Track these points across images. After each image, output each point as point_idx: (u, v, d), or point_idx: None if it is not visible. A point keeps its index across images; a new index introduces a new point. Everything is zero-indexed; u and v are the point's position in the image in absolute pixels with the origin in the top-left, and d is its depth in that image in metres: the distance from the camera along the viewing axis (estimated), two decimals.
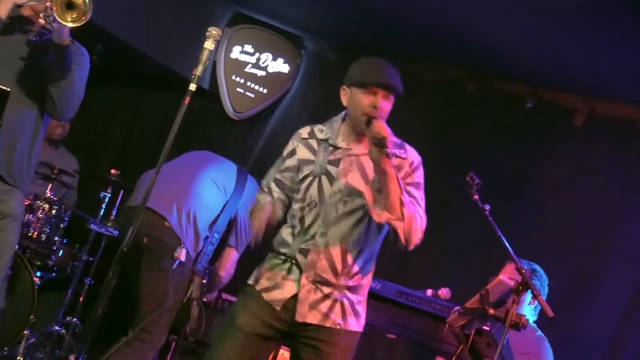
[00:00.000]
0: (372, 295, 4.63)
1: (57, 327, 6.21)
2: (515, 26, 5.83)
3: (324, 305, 3.71)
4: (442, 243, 6.43)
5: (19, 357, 5.86)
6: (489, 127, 6.74)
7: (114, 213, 6.49)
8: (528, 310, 4.94)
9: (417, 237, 3.66)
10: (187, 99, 3.53)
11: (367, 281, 3.86)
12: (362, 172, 3.75)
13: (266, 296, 3.75)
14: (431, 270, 6.38)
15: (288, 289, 3.74)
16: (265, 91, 7.74)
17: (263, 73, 7.77)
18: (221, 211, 5.76)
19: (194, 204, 5.60)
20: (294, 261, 3.75)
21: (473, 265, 6.04)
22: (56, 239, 6.31)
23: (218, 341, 3.81)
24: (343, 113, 3.91)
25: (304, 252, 3.73)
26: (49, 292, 6.53)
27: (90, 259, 6.50)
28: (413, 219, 3.61)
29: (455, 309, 4.28)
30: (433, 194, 6.02)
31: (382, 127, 3.53)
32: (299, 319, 3.70)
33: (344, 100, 3.83)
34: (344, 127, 3.86)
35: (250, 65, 7.79)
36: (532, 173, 6.43)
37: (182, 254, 5.42)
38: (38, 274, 6.17)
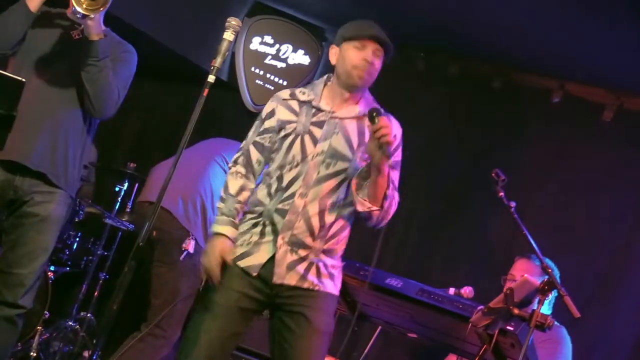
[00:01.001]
0: (393, 293, 4.57)
1: (71, 323, 6.20)
2: (542, 19, 5.75)
3: (301, 267, 3.66)
4: (465, 241, 6.39)
5: (32, 353, 5.85)
6: (514, 121, 6.67)
7: (129, 206, 6.44)
8: (543, 307, 4.88)
9: (386, 220, 3.71)
10: (206, 91, 3.49)
11: (342, 246, 3.82)
12: (345, 135, 3.73)
13: (241, 263, 3.68)
14: (454, 269, 6.31)
15: (263, 253, 3.68)
16: (285, 83, 7.66)
17: (283, 65, 7.69)
18: None
19: (201, 193, 5.54)
20: (267, 221, 3.70)
21: (497, 263, 5.96)
22: (71, 233, 6.28)
23: (199, 318, 3.71)
24: (325, 77, 3.90)
25: (282, 212, 3.67)
26: (63, 286, 6.52)
27: (105, 253, 6.47)
28: (390, 207, 3.67)
29: (479, 308, 4.21)
30: (457, 191, 5.95)
31: (387, 130, 3.49)
32: (276, 280, 3.64)
33: (333, 58, 3.85)
34: (327, 90, 3.85)
35: (270, 57, 7.72)
36: (559, 169, 6.32)
37: (190, 245, 5.36)
38: (52, 268, 6.15)
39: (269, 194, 3.74)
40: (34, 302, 4.21)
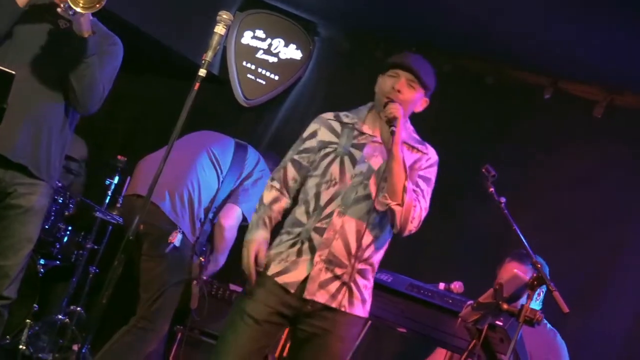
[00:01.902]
0: (383, 288, 4.58)
1: (60, 316, 6.17)
2: (534, 16, 5.76)
3: (333, 286, 3.72)
4: (455, 236, 6.40)
5: (21, 346, 5.83)
6: (505, 118, 6.67)
7: (120, 200, 6.43)
8: (533, 304, 4.88)
9: (412, 226, 3.70)
10: (197, 85, 3.48)
11: (375, 267, 3.88)
12: (384, 159, 3.74)
13: (280, 279, 3.73)
14: (444, 264, 6.33)
15: (302, 271, 3.73)
16: (276, 78, 7.65)
17: (274, 59, 7.68)
18: (218, 189, 5.66)
19: (188, 187, 5.51)
20: (306, 241, 3.75)
21: (486, 259, 5.96)
22: (61, 226, 6.27)
23: (230, 329, 3.80)
24: (370, 103, 3.94)
25: (320, 231, 3.73)
26: (53, 280, 6.50)
27: (96, 247, 6.46)
28: (412, 207, 3.65)
29: (468, 303, 4.22)
30: (448, 186, 5.95)
31: (395, 108, 3.62)
32: (307, 296, 3.69)
33: (377, 87, 3.88)
34: (370, 115, 3.90)
35: (261, 51, 7.71)
36: (550, 165, 6.33)
37: (175, 238, 5.34)
38: (42, 261, 6.14)
39: (307, 212, 3.81)
40: (17, 293, 4.19)
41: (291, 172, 3.92)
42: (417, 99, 3.82)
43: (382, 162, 3.74)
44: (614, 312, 5.81)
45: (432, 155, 3.87)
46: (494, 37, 6.29)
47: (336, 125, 3.87)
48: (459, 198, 6.35)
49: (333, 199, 3.74)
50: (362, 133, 3.83)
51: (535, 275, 3.89)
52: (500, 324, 4.01)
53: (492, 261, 5.31)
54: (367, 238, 3.75)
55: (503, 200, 4.03)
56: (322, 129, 3.89)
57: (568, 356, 4.99)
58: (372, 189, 3.69)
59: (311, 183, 3.83)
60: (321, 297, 3.70)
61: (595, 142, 6.23)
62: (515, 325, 3.83)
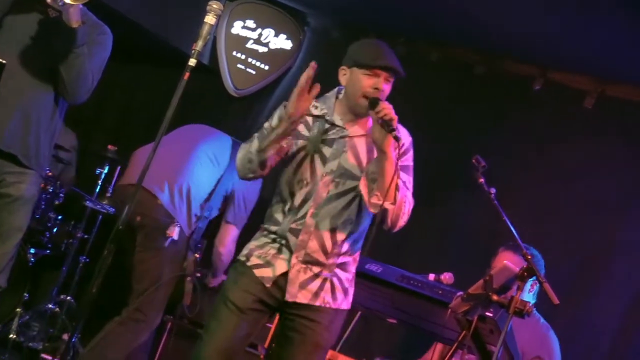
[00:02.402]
0: (373, 279, 4.57)
1: (51, 305, 6.18)
2: (524, 5, 5.72)
3: (314, 285, 3.78)
4: (445, 227, 6.39)
5: (11, 335, 5.84)
6: (496, 109, 6.64)
7: (110, 190, 6.41)
8: (528, 297, 4.89)
9: (403, 221, 3.75)
10: (187, 75, 3.48)
11: (355, 258, 3.93)
12: (354, 153, 3.80)
13: (257, 272, 3.79)
14: (434, 255, 6.32)
15: (279, 267, 3.78)
16: (266, 68, 7.63)
17: (265, 49, 7.65)
18: (215, 186, 5.66)
19: (187, 180, 5.52)
20: (283, 240, 3.79)
21: (477, 250, 5.96)
22: (51, 215, 6.26)
23: (214, 317, 3.83)
24: (335, 90, 3.94)
25: (295, 232, 3.77)
26: (43, 269, 6.49)
27: (86, 236, 6.45)
28: (403, 203, 3.69)
29: (458, 294, 4.21)
30: (438, 177, 5.93)
31: (389, 108, 3.59)
32: (289, 298, 3.76)
33: (343, 80, 3.85)
34: (338, 105, 3.89)
35: (251, 41, 7.68)
36: (540, 157, 6.32)
37: (174, 232, 5.36)
38: (32, 250, 6.14)
39: (283, 211, 3.84)
40: (8, 282, 4.20)
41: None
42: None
43: (352, 157, 3.77)
44: (605, 305, 5.80)
45: (405, 138, 3.83)
46: (483, 27, 6.26)
47: (308, 118, 3.86)
48: (449, 189, 6.34)
49: (306, 200, 3.78)
50: (334, 124, 3.82)
51: (525, 266, 3.88)
52: (491, 315, 3.99)
53: (482, 252, 5.31)
54: (343, 234, 3.79)
55: (493, 191, 4.01)
56: None
57: (560, 351, 4.99)
58: (364, 190, 3.69)
59: (283, 179, 3.86)
60: (303, 298, 3.76)
61: (586, 132, 6.21)
62: (505, 317, 3.82)
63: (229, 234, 5.71)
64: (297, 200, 3.79)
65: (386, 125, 3.55)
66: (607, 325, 5.75)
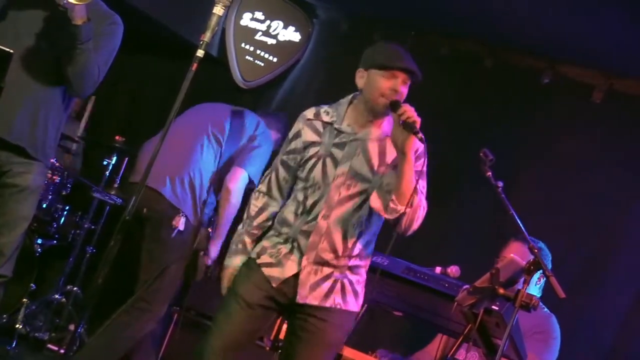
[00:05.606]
0: (380, 271, 4.57)
1: (57, 296, 6.20)
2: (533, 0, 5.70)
3: (325, 286, 3.80)
4: (452, 220, 6.39)
5: (18, 325, 5.85)
6: (504, 102, 6.64)
7: (117, 181, 6.42)
8: (534, 289, 4.90)
9: (416, 225, 3.77)
10: (195, 66, 3.48)
11: (366, 261, 3.95)
12: (366, 156, 3.81)
13: (266, 271, 3.83)
14: (441, 248, 6.32)
15: (289, 268, 3.80)
16: (275, 60, 7.63)
17: (273, 41, 7.65)
18: (218, 164, 5.61)
19: (190, 173, 5.46)
20: (295, 243, 3.82)
21: (483, 243, 5.97)
22: (58, 206, 6.27)
23: (222, 311, 3.87)
24: (350, 96, 3.95)
25: (306, 234, 3.80)
26: (50, 259, 6.51)
27: (93, 227, 6.46)
28: (418, 208, 3.70)
29: (465, 287, 4.20)
30: (445, 170, 5.92)
31: (412, 111, 3.59)
32: (299, 300, 3.77)
33: (360, 82, 3.85)
34: (350, 110, 3.91)
35: (260, 33, 7.68)
36: (548, 150, 6.31)
37: (180, 223, 5.34)
38: (39, 241, 6.15)
39: (295, 213, 3.86)
40: (13, 272, 4.20)
41: (282, 173, 3.99)
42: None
43: (363, 160, 3.79)
44: (610, 299, 5.80)
45: (417, 144, 3.78)
46: (492, 20, 6.25)
47: (318, 125, 3.90)
48: (456, 182, 6.34)
49: (317, 202, 3.80)
50: (341, 132, 3.83)
51: (532, 260, 3.87)
52: (497, 308, 4.00)
53: (489, 245, 5.31)
54: (354, 237, 3.81)
55: (500, 184, 4.00)
56: (305, 129, 3.93)
57: (559, 339, 4.98)
58: (377, 205, 3.73)
59: (299, 186, 3.90)
60: (314, 300, 3.78)
61: (594, 126, 6.21)
62: (512, 310, 3.81)
63: (240, 173, 5.51)
64: (309, 202, 3.82)
65: (410, 128, 3.55)
66: (612, 318, 5.77)
